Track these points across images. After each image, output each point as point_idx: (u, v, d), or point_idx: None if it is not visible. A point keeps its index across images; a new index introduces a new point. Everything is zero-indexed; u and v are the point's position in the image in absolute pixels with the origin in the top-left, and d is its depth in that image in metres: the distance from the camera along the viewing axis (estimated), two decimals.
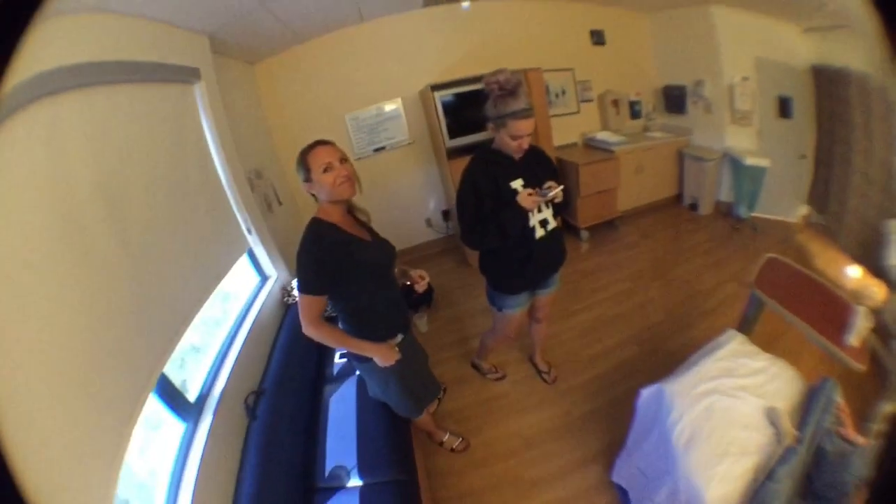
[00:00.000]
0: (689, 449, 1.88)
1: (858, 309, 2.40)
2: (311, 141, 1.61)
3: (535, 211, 2.06)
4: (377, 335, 1.84)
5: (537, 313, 2.55)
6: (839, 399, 2.06)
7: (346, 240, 1.65)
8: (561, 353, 3.00)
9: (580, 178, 4.14)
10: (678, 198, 4.96)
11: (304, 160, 1.57)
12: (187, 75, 2.43)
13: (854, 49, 4.11)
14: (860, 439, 2.00)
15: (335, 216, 1.66)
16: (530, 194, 1.93)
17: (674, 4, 4.82)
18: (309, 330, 1.64)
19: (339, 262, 1.59)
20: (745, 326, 2.62)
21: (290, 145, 2.06)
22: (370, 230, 1.83)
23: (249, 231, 2.84)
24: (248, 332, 2.44)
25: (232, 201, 2.74)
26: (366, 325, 1.81)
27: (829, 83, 5.11)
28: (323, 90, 4.20)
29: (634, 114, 4.96)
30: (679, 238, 4.37)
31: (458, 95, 3.91)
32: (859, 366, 2.31)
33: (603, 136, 4.64)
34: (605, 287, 3.60)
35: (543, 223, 2.12)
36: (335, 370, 2.64)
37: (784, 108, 5.57)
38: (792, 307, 2.50)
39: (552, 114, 4.47)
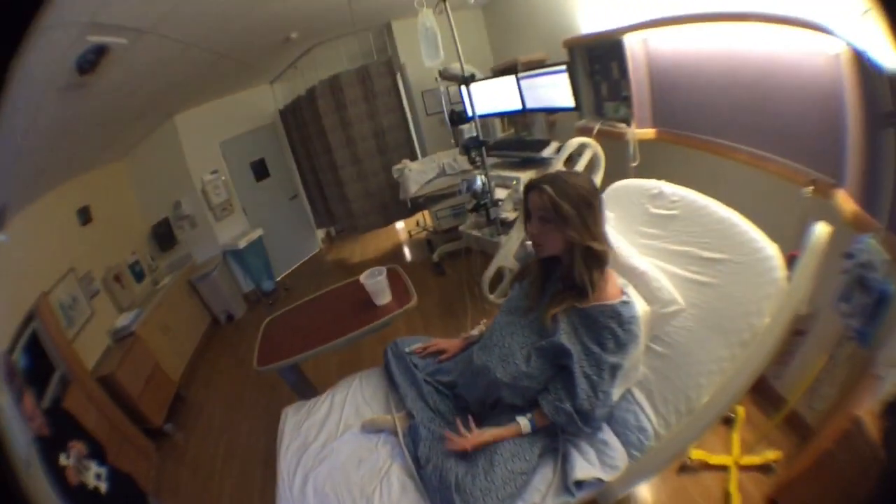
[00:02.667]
0: None
1: (366, 283, 2.64)
2: None
3: (84, 471, 2.05)
4: None
5: None
6: (412, 347, 2.24)
7: None
8: None
9: (123, 384, 3.80)
10: (215, 321, 5.12)
11: None
12: None
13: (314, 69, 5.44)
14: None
15: None
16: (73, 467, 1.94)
17: (145, 134, 4.94)
18: None
19: None
20: (301, 389, 2.71)
21: None
22: None
23: None
24: None
25: None
26: None
27: (294, 114, 5.93)
28: None
29: (138, 275, 4.83)
30: (235, 355, 4.57)
31: (25, 350, 3.25)
32: (411, 304, 2.61)
33: (120, 321, 4.41)
34: (214, 457, 3.47)
35: (98, 476, 2.09)
36: None
37: (260, 170, 6.19)
38: (314, 343, 2.58)
39: (74, 334, 3.96)
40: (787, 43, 2.00)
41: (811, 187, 1.93)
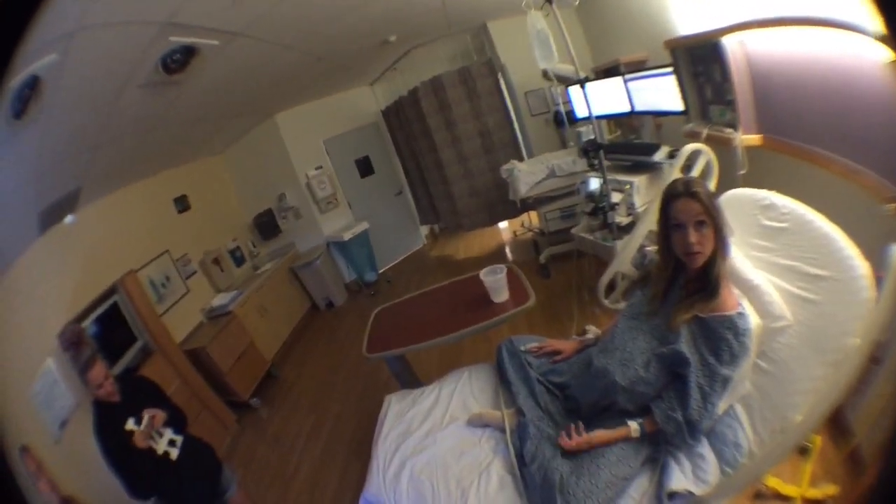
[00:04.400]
0: None
1: (486, 279, 2.64)
2: None
3: (158, 437, 2.11)
4: None
5: None
6: (528, 346, 2.23)
7: None
8: None
9: (214, 358, 3.98)
10: (314, 307, 5.26)
11: None
12: None
13: (413, 70, 5.45)
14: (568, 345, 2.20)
15: None
16: (141, 433, 2.03)
17: (245, 130, 5.12)
18: None
19: None
20: (404, 378, 2.69)
21: None
22: None
23: None
24: None
25: None
26: None
27: (396, 114, 5.95)
28: None
29: (238, 260, 5.02)
30: (332, 341, 4.62)
31: (98, 321, 3.48)
32: (529, 303, 2.59)
33: (217, 301, 4.59)
34: (297, 435, 3.56)
35: (172, 443, 2.16)
36: None
37: (364, 167, 6.25)
38: (428, 335, 2.60)
39: (164, 309, 4.19)
40: (870, 53, 1.88)
41: (893, 205, 1.82)
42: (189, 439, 2.27)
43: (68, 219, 3.99)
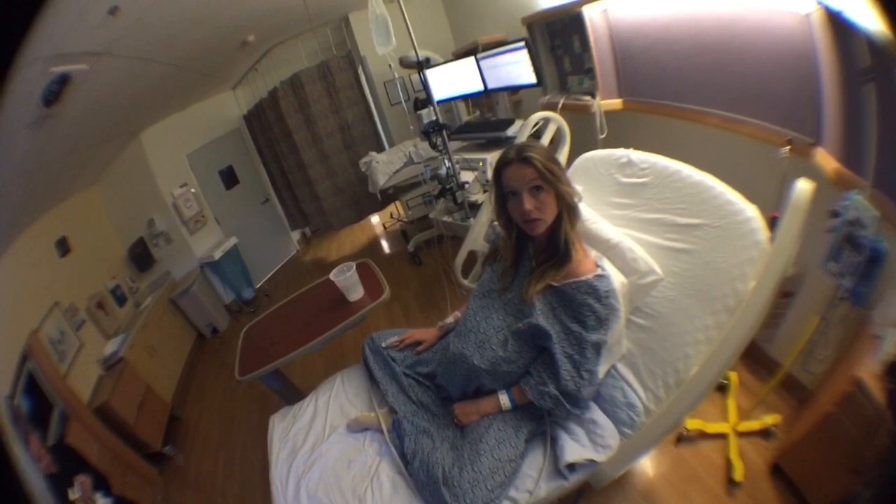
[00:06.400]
0: None
1: (336, 280, 2.62)
2: None
3: None
4: None
5: None
6: (389, 341, 2.21)
7: None
8: None
9: (118, 412, 3.77)
10: (200, 335, 5.14)
11: None
12: None
13: (274, 70, 5.47)
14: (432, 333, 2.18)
15: None
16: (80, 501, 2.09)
17: (113, 156, 4.87)
18: None
19: None
20: (286, 395, 2.67)
21: None
22: None
23: None
24: None
25: None
26: None
27: (258, 118, 5.94)
28: None
29: (120, 300, 4.76)
30: (223, 367, 4.58)
31: (24, 392, 3.20)
32: (384, 297, 2.61)
33: (108, 348, 4.40)
34: (214, 474, 3.48)
35: None
36: None
37: (229, 178, 6.22)
38: (291, 347, 2.55)
39: (66, 368, 3.89)
40: (752, 4, 2.01)
41: (788, 147, 1.91)
42: (117, 500, 2.33)
43: None
